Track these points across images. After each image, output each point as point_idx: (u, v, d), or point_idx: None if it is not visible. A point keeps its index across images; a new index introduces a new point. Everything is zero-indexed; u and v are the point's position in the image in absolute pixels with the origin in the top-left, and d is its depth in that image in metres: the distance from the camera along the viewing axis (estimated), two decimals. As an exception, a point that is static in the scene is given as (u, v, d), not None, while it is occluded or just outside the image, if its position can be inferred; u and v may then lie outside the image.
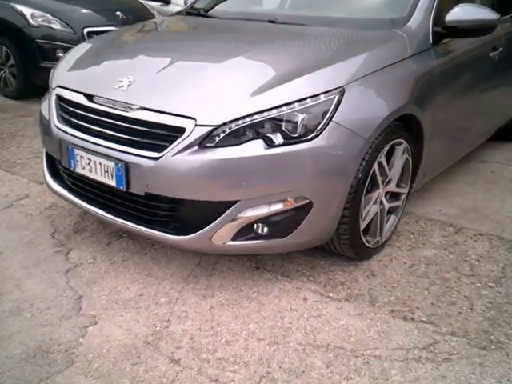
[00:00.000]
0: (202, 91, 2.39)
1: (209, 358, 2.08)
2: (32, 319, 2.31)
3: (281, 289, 2.52)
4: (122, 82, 2.52)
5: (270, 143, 2.24)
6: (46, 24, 5.78)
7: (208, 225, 2.31)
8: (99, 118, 2.53)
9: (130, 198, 2.46)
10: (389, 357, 2.08)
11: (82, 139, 2.56)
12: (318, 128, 2.27)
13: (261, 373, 2.01)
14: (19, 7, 5.80)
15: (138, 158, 2.34)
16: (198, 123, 2.24)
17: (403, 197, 2.90)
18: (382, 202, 2.71)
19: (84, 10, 6.13)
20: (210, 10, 3.62)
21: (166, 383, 1.97)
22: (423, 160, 2.94)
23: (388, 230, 2.85)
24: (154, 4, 7.83)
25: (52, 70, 3.10)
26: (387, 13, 3.01)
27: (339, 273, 2.65)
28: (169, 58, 2.71)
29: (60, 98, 2.79)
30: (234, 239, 2.34)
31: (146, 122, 2.36)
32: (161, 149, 2.29)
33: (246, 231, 2.34)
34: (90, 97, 2.60)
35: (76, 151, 2.59)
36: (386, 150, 2.57)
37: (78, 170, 2.61)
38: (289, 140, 2.25)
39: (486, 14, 2.83)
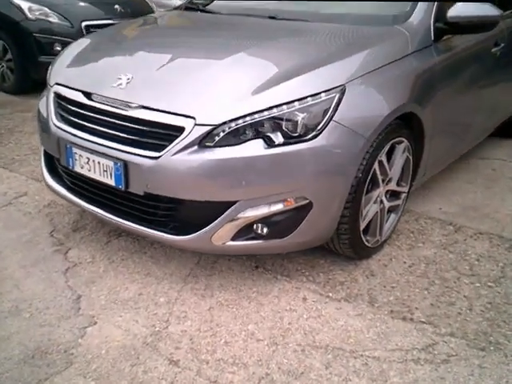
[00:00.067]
0: (202, 89, 2.37)
1: (208, 358, 2.08)
2: (31, 319, 2.31)
3: (280, 289, 2.51)
4: (120, 79, 2.51)
5: (270, 143, 2.22)
6: (44, 18, 5.76)
7: (207, 225, 2.30)
8: (98, 116, 2.52)
9: (129, 197, 2.45)
10: (388, 358, 2.08)
11: (81, 138, 2.54)
12: (319, 127, 2.26)
13: (260, 374, 2.01)
14: (17, 0, 5.78)
15: (137, 157, 2.32)
16: (198, 122, 2.23)
17: (403, 195, 2.89)
18: (382, 201, 2.70)
19: (82, 4, 6.11)
20: (208, 4, 3.59)
21: (165, 385, 1.98)
22: (424, 158, 2.93)
23: (388, 228, 2.84)
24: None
25: (50, 67, 3.07)
26: (388, 9, 2.98)
27: (339, 272, 2.65)
28: (168, 55, 2.68)
29: (58, 96, 2.77)
30: (233, 239, 2.33)
31: (144, 120, 2.34)
32: (160, 148, 2.28)
33: (246, 231, 2.33)
34: (88, 95, 2.59)
35: (74, 150, 2.57)
36: (386, 148, 2.56)
37: (77, 168, 2.60)
38: (289, 139, 2.24)
39: (488, 9, 2.80)
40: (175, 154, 2.24)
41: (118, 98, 2.44)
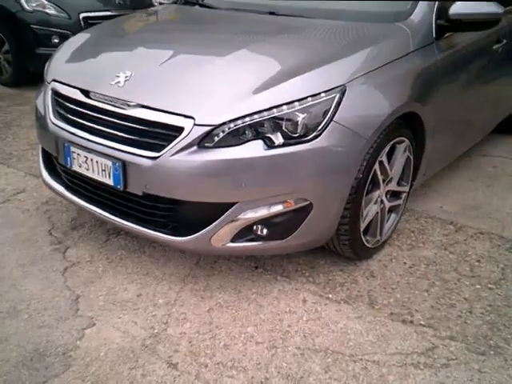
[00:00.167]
0: (201, 89, 2.34)
1: (207, 362, 2.07)
2: (29, 320, 2.30)
3: (280, 290, 2.50)
4: (118, 77, 2.48)
5: (269, 144, 2.20)
6: (41, 9, 5.70)
7: (207, 226, 2.28)
8: (96, 114, 2.49)
9: (128, 197, 2.43)
10: (387, 362, 2.07)
11: (79, 136, 2.52)
12: (319, 128, 2.23)
13: (259, 378, 2.00)
14: (13, -9, 5.71)
15: (136, 157, 2.30)
16: (197, 123, 2.20)
17: (404, 195, 2.87)
18: (382, 202, 2.68)
19: (80, -5, 6.03)
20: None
21: (163, 389, 1.97)
22: (425, 157, 2.91)
23: (388, 228, 2.83)
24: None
25: (47, 63, 3.04)
26: (390, 5, 2.94)
27: (339, 273, 2.64)
28: (167, 52, 2.65)
29: (55, 93, 2.75)
30: (233, 241, 2.32)
31: (143, 120, 2.32)
32: (159, 148, 2.25)
33: (246, 233, 2.32)
34: (86, 92, 2.56)
35: (72, 149, 2.55)
36: (387, 149, 2.54)
37: (75, 167, 2.58)
38: (289, 140, 2.21)
39: (490, 7, 2.76)
40: (174, 154, 2.21)
41: (116, 97, 2.41)
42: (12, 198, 3.40)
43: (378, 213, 2.65)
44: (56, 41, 5.65)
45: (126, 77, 2.46)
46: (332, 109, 2.25)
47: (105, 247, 2.84)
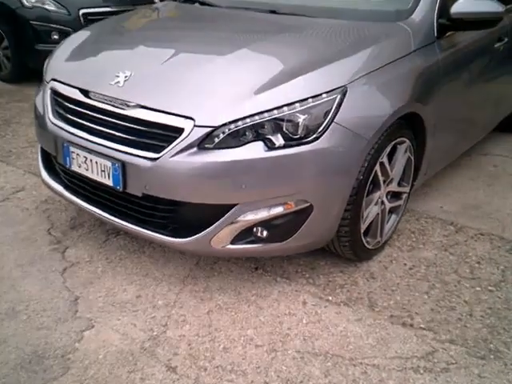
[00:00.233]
0: (201, 89, 2.32)
1: (206, 365, 2.06)
2: (28, 322, 2.29)
3: (280, 291, 2.49)
4: (118, 76, 2.46)
5: (270, 145, 2.19)
6: (40, 5, 5.65)
7: (207, 228, 2.27)
8: (95, 114, 2.48)
9: (128, 198, 2.42)
10: (387, 366, 2.06)
11: (78, 136, 2.51)
12: (320, 129, 2.22)
13: (258, 382, 1.99)
14: (13, -13, 5.67)
15: (136, 158, 2.29)
16: (197, 124, 2.19)
17: (405, 196, 2.86)
18: (383, 202, 2.67)
19: (79, -9, 5.99)
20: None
21: (162, 392, 1.96)
22: (425, 157, 2.89)
23: (389, 229, 2.81)
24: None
25: (46, 61, 3.02)
26: (391, 4, 2.91)
27: (339, 274, 2.63)
28: (167, 52, 2.63)
29: (55, 92, 2.73)
30: (232, 243, 2.31)
31: (142, 120, 2.30)
32: (159, 149, 2.24)
33: (246, 234, 2.31)
34: (85, 92, 2.54)
35: (72, 149, 2.54)
36: (388, 149, 2.53)
37: (74, 167, 2.56)
38: (289, 141, 2.20)
39: (492, 5, 2.74)
40: (174, 155, 2.20)
41: (116, 97, 2.40)
42: (11, 196, 3.38)
43: (378, 214, 2.64)
44: (55, 37, 5.62)
45: (126, 77, 2.44)
46: (333, 110, 2.24)
47: (104, 247, 2.83)
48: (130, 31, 3.20)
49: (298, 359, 2.10)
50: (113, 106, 2.39)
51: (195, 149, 2.19)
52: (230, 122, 2.18)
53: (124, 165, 2.32)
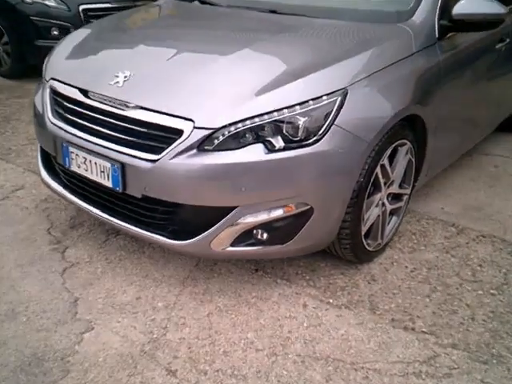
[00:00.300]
0: (201, 91, 2.30)
1: (206, 369, 2.05)
2: (27, 323, 2.28)
3: (280, 294, 2.48)
4: (117, 77, 2.44)
5: (270, 147, 2.17)
6: (40, 1, 5.63)
7: (206, 230, 2.26)
8: (95, 115, 2.46)
9: (127, 199, 2.40)
10: (389, 371, 2.05)
11: (78, 136, 2.49)
12: (320, 132, 2.20)
13: (259, 386, 1.99)
14: (12, -17, 5.64)
15: (135, 159, 2.27)
16: (197, 126, 2.17)
17: (405, 197, 2.84)
18: (383, 204, 2.65)
19: (79, -14, 5.96)
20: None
21: (162, 396, 1.95)
22: (427, 159, 2.88)
23: (389, 231, 2.80)
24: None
25: (45, 60, 2.99)
26: (392, 5, 2.89)
27: (340, 277, 2.61)
28: (167, 52, 2.62)
29: (54, 92, 2.71)
30: (232, 245, 2.29)
31: (142, 121, 2.28)
32: (158, 150, 2.22)
33: (246, 237, 2.29)
34: (84, 92, 2.52)
35: (71, 149, 2.52)
36: (389, 152, 2.51)
37: (73, 168, 2.55)
38: (290, 144, 2.18)
39: (494, 7, 2.72)
40: (174, 157, 2.18)
41: (115, 97, 2.38)
42: (11, 194, 3.37)
43: (379, 216, 2.63)
44: (55, 33, 5.60)
45: (125, 77, 2.42)
46: (333, 112, 2.22)
47: (104, 247, 2.82)
48: (131, 30, 3.17)
49: (299, 363, 2.08)
50: (112, 106, 2.37)
51: (195, 151, 2.17)
52: (230, 124, 2.16)
53: (123, 166, 2.30)
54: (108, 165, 2.36)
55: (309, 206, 2.27)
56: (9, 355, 2.11)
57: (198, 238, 2.27)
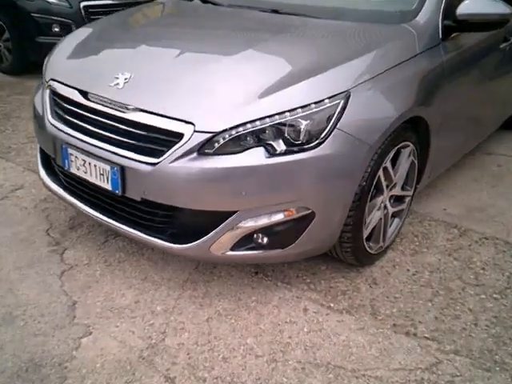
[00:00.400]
0: (202, 94, 2.26)
1: (205, 376, 2.03)
2: (25, 328, 2.26)
3: (280, 298, 2.45)
4: (117, 78, 2.40)
5: (271, 151, 2.13)
6: None
7: (206, 234, 2.23)
8: (94, 117, 2.43)
9: (126, 202, 2.37)
10: (390, 378, 2.02)
11: (77, 138, 2.46)
12: (322, 135, 2.16)
13: (258, 394, 1.96)
14: (14, -21, 5.61)
15: (135, 162, 2.24)
16: (197, 129, 2.14)
17: (408, 199, 2.81)
18: (386, 207, 2.62)
19: (81, -17, 5.92)
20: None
21: (161, 404, 1.93)
22: (429, 160, 2.84)
23: (391, 234, 2.77)
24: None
25: (45, 59, 2.96)
26: (395, 5, 2.84)
27: (341, 280, 2.59)
28: (167, 53, 2.60)
29: (53, 93, 2.68)
30: (232, 249, 2.26)
31: (142, 124, 2.25)
32: (158, 154, 2.19)
33: (246, 241, 2.26)
34: (84, 93, 2.49)
35: (70, 151, 2.49)
36: (391, 154, 2.47)
37: (73, 170, 2.52)
38: (291, 147, 2.15)
39: (499, 7, 2.67)
40: (174, 161, 2.15)
41: (115, 99, 2.35)
42: (10, 194, 3.35)
43: (381, 219, 2.60)
44: (56, 29, 5.58)
45: (126, 79, 2.38)
46: (336, 115, 2.18)
47: (103, 249, 2.80)
48: (132, 30, 3.12)
49: (299, 370, 2.06)
50: (112, 108, 2.34)
51: (195, 154, 2.14)
52: (231, 128, 2.13)
53: (123, 169, 2.28)
54: (107, 167, 2.33)
55: (310, 211, 2.24)
56: (6, 360, 2.09)
57: (197, 241, 2.25)
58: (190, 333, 2.24)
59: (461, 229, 3.06)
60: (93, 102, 2.43)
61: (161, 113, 2.21)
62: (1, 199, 3.28)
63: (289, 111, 2.14)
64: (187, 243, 2.27)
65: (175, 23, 3.19)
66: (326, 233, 2.35)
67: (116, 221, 2.45)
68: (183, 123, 2.16)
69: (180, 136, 2.15)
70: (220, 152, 2.14)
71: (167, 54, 2.58)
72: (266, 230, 2.25)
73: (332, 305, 2.42)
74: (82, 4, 5.64)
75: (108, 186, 2.36)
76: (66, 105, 2.58)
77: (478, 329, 2.30)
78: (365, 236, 2.51)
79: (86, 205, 2.58)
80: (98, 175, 2.39)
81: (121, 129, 2.32)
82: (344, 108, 2.20)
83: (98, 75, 2.53)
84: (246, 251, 2.28)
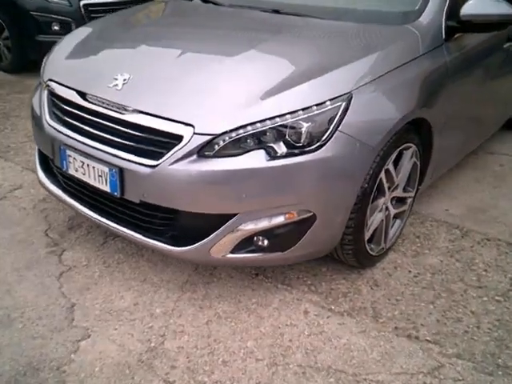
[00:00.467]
0: (201, 95, 2.23)
1: (205, 380, 2.01)
2: (23, 330, 2.23)
3: (281, 300, 2.43)
4: (116, 79, 2.38)
5: (272, 154, 2.11)
6: None
7: (206, 236, 2.21)
8: (93, 118, 2.40)
9: (125, 204, 2.35)
10: (392, 382, 2.00)
11: (75, 140, 2.43)
12: (323, 138, 2.14)
13: (259, 398, 1.94)
14: (13, -23, 5.57)
15: (134, 164, 2.22)
16: (197, 131, 2.11)
17: (410, 200, 2.78)
18: (387, 209, 2.60)
19: (81, -19, 5.88)
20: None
21: (160, 408, 1.91)
22: (432, 161, 2.82)
23: (393, 235, 2.75)
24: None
25: (44, 60, 2.94)
26: (398, 6, 2.81)
27: (342, 282, 2.56)
28: (167, 54, 2.57)
29: (52, 93, 2.65)
30: (233, 252, 2.24)
31: (141, 126, 2.23)
32: (157, 156, 2.17)
33: (246, 244, 2.24)
34: (83, 94, 2.47)
35: (68, 152, 2.47)
36: (393, 156, 2.45)
37: (71, 171, 2.50)
38: (292, 149, 2.12)
39: (503, 8, 2.65)
40: (173, 163, 2.13)
41: (114, 101, 2.32)
42: (9, 194, 3.32)
43: (382, 220, 2.58)
44: (56, 28, 5.56)
45: (125, 80, 2.36)
46: (337, 117, 2.15)
47: (102, 250, 2.77)
48: (132, 30, 3.08)
49: (300, 374, 2.04)
50: (110, 110, 2.32)
51: (195, 156, 2.12)
52: (231, 130, 2.10)
53: (122, 171, 2.25)
54: (106, 169, 2.31)
55: (311, 213, 2.21)
56: (3, 364, 2.07)
57: (197, 244, 2.22)
58: (189, 336, 2.22)
59: (463, 230, 3.04)
60: (91, 103, 2.41)
61: (160, 114, 2.19)
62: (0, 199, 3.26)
63: (290, 113, 2.11)
64: (187, 246, 2.25)
65: (175, 23, 3.16)
66: (327, 235, 2.33)
67: (115, 223, 2.43)
68: (183, 125, 2.13)
69: (179, 138, 2.13)
70: (220, 154, 2.11)
71: (167, 55, 2.55)
72: (266, 233, 2.22)
73: (333, 307, 2.39)
74: (82, 2, 5.61)
75: (106, 188, 2.34)
76: (64, 106, 2.55)
77: (481, 332, 2.28)
78: (366, 238, 2.49)
79: (84, 206, 2.55)
80: (96, 177, 2.37)
81: (119, 130, 2.29)
82: (346, 110, 2.17)
83: (96, 76, 2.50)
84: (246, 254, 2.26)
